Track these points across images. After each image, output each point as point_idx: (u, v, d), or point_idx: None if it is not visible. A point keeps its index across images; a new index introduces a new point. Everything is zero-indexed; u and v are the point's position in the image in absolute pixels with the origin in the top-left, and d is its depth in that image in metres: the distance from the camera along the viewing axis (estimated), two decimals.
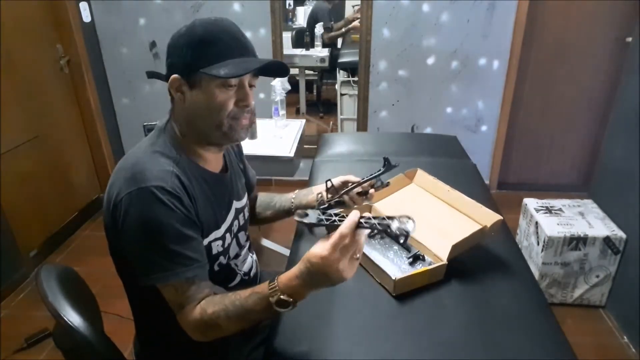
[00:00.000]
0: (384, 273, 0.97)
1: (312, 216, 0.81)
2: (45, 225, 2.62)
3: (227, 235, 1.04)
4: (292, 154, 2.10)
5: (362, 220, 0.74)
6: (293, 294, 0.78)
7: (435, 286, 0.99)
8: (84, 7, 2.86)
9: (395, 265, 1.02)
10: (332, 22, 4.56)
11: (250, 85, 0.96)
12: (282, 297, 0.78)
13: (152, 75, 1.00)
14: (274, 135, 2.28)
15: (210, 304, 0.86)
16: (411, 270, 0.99)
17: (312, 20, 4.43)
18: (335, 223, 0.78)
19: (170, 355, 1.09)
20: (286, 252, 1.16)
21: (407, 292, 0.96)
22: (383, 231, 0.75)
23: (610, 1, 2.73)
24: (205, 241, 0.96)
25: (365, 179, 1.12)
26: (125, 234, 0.87)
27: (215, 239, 1.00)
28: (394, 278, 0.93)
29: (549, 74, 2.97)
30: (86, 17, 2.90)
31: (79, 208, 2.88)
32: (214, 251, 1.00)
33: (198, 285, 0.88)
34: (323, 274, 0.75)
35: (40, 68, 2.61)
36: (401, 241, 0.73)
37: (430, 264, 1.01)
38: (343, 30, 4.54)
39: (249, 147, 2.18)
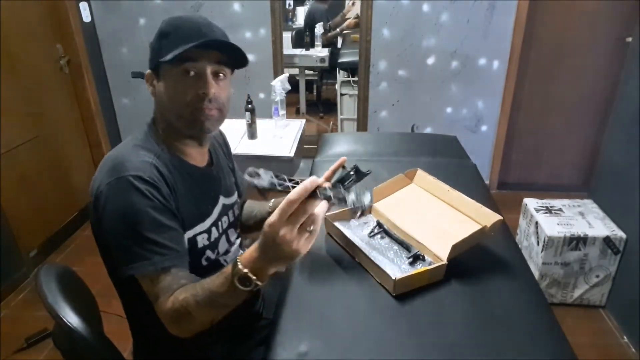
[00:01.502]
0: (384, 273, 0.97)
1: (265, 178, 0.74)
2: (45, 225, 2.62)
3: (214, 229, 1.05)
4: (292, 154, 2.10)
5: (318, 190, 0.69)
6: (255, 269, 0.74)
7: (435, 286, 0.99)
8: (84, 7, 2.87)
9: (395, 265, 1.02)
10: (330, 22, 4.56)
11: (217, 74, 0.95)
12: (244, 271, 0.74)
13: (135, 75, 1.04)
14: (274, 135, 2.28)
15: (183, 291, 0.84)
16: (411, 270, 0.99)
17: (310, 20, 4.44)
18: (289, 190, 0.73)
19: (165, 354, 1.09)
20: None
21: (407, 292, 0.96)
22: (339, 202, 0.73)
23: (610, 1, 2.73)
24: (190, 234, 0.97)
25: (333, 181, 1.04)
26: (104, 223, 0.88)
27: (201, 232, 1.00)
28: (394, 278, 0.93)
29: (549, 74, 2.97)
30: (86, 17, 2.90)
31: (79, 208, 2.88)
32: (200, 245, 1.01)
33: (174, 275, 0.87)
34: (274, 244, 0.70)
35: (40, 68, 2.61)
36: (358, 215, 0.71)
37: (430, 264, 1.01)
38: (340, 27, 4.55)
39: (249, 147, 2.19)
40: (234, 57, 0.96)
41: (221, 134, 1.23)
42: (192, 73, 0.91)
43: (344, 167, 0.98)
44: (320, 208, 0.71)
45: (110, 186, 0.86)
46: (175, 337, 0.87)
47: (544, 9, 2.80)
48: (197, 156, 1.03)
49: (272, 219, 0.69)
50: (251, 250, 0.75)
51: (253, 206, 1.33)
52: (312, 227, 0.71)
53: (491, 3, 2.75)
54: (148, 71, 0.98)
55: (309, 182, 0.69)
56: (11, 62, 2.32)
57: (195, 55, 0.90)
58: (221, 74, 0.96)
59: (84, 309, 0.97)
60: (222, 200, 1.09)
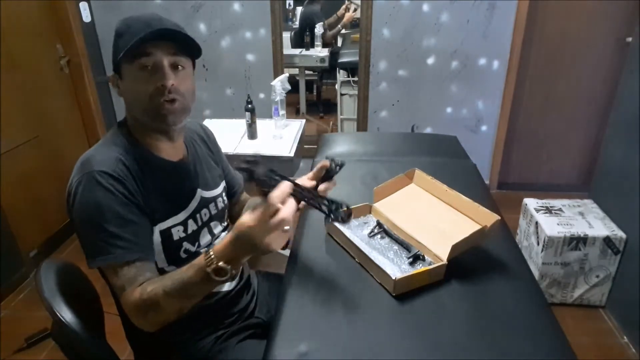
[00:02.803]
0: (384, 273, 0.97)
1: (261, 170, 0.77)
2: (45, 225, 2.62)
3: (190, 221, 1.05)
4: (292, 154, 2.10)
5: (295, 192, 0.76)
6: (229, 260, 0.78)
7: (435, 286, 0.99)
8: (84, 7, 2.87)
9: (395, 265, 1.02)
10: (324, 23, 4.56)
11: (176, 66, 0.95)
12: (220, 264, 0.78)
13: (101, 81, 1.05)
14: (274, 135, 2.28)
15: (151, 283, 0.86)
16: (411, 270, 0.99)
17: (305, 23, 4.43)
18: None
19: (156, 349, 1.11)
20: (286, 252, 1.16)
21: (407, 292, 0.96)
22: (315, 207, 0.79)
23: (610, 1, 2.73)
24: (162, 226, 0.99)
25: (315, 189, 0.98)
26: (73, 218, 0.92)
27: (175, 225, 1.02)
28: (394, 278, 0.93)
29: (549, 74, 2.97)
30: (86, 17, 2.90)
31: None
32: (175, 237, 1.02)
33: (139, 268, 0.89)
34: (249, 243, 0.76)
35: (40, 68, 2.61)
36: (330, 221, 0.79)
37: (430, 264, 1.01)
38: (342, 23, 4.55)
39: (249, 147, 2.19)
40: (191, 47, 0.97)
41: (202, 128, 1.24)
42: (149, 67, 0.92)
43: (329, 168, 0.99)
44: (288, 208, 0.75)
45: (78, 182, 0.90)
46: (162, 333, 0.90)
47: (544, 9, 2.80)
48: (170, 150, 1.04)
49: (248, 219, 0.75)
50: (225, 245, 0.79)
51: (248, 201, 1.33)
52: (286, 228, 0.76)
53: (491, 3, 2.75)
54: (111, 74, 1.01)
55: (287, 187, 0.76)
56: (11, 62, 2.32)
57: (149, 49, 0.91)
58: (180, 66, 0.96)
59: (82, 305, 0.97)
60: (201, 192, 1.09)
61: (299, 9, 4.95)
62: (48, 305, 0.90)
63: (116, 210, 0.89)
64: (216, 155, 1.24)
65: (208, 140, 1.23)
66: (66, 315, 0.90)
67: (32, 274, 2.43)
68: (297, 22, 4.88)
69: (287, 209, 0.75)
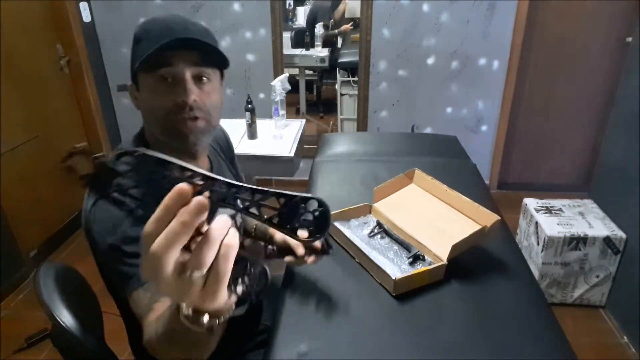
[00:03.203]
0: (384, 273, 0.97)
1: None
2: (45, 225, 2.62)
3: None
4: (292, 154, 2.10)
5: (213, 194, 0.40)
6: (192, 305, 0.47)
7: (435, 286, 0.99)
8: (84, 7, 2.86)
9: (395, 265, 1.02)
10: (332, 20, 4.58)
11: (200, 78, 0.84)
12: (185, 311, 0.45)
13: (120, 88, 0.98)
14: (274, 135, 2.28)
15: (153, 321, 0.66)
16: (411, 270, 0.99)
17: (312, 18, 4.44)
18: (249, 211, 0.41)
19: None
20: None
21: (407, 292, 0.96)
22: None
23: (610, 1, 2.73)
24: None
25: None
26: (96, 244, 0.84)
27: None
28: (394, 278, 0.93)
29: (549, 74, 2.97)
30: (86, 17, 2.90)
31: (79, 208, 2.88)
32: None
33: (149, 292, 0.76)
34: (153, 270, 0.38)
35: (40, 68, 2.61)
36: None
37: (430, 264, 1.01)
38: (338, 30, 4.56)
39: (249, 147, 2.19)
40: (217, 56, 0.84)
41: (224, 133, 1.17)
42: (169, 79, 0.81)
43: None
44: (219, 227, 0.38)
45: (94, 206, 0.85)
46: None
47: (544, 9, 2.80)
48: (193, 165, 0.99)
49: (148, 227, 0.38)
50: None
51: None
52: (202, 271, 0.38)
53: (491, 3, 2.75)
54: (129, 83, 0.89)
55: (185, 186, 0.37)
56: (11, 62, 2.32)
57: (170, 58, 0.80)
58: (204, 77, 0.84)
59: (81, 308, 0.96)
60: (224, 210, 1.04)
61: (299, 9, 4.96)
62: (47, 309, 0.89)
63: (133, 231, 0.79)
64: (232, 162, 1.17)
65: (227, 149, 1.15)
66: (66, 319, 0.89)
67: (32, 274, 2.43)
68: (298, 22, 4.89)
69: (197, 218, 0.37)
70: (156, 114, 0.84)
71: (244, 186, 0.41)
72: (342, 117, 3.80)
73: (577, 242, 2.03)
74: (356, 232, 1.14)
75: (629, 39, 2.72)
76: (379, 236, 1.13)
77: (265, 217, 0.42)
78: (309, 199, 0.41)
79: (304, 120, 2.51)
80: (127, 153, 0.43)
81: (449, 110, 3.08)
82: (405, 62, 2.96)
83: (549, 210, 2.22)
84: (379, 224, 1.16)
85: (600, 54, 2.88)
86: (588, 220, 2.11)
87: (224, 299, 0.41)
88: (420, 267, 1.01)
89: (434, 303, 0.95)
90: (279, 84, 2.23)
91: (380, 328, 0.90)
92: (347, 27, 4.52)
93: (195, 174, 0.41)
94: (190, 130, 0.84)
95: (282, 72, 2.92)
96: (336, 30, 4.58)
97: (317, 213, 0.42)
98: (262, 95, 3.07)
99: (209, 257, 0.37)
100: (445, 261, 0.99)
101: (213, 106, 0.86)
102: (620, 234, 2.01)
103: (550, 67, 2.95)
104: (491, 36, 2.84)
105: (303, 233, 0.42)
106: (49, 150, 2.64)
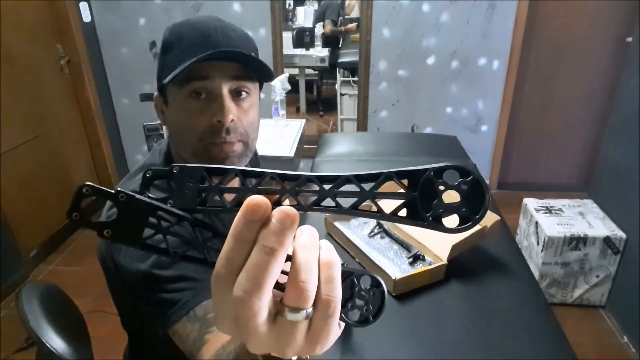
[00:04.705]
0: (384, 273, 0.97)
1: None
2: (45, 225, 2.62)
3: None
4: (292, 154, 2.09)
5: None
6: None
7: (435, 286, 0.99)
8: (84, 7, 2.86)
9: (395, 265, 1.02)
10: (341, 18, 4.59)
11: (238, 93, 0.73)
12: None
13: (144, 98, 0.89)
14: (274, 135, 2.28)
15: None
16: (411, 270, 0.99)
17: (321, 15, 4.45)
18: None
19: None
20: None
21: (407, 292, 0.96)
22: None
23: (610, 1, 2.73)
24: None
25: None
26: (124, 278, 0.74)
27: None
28: (394, 278, 0.93)
29: (549, 74, 2.97)
30: (86, 17, 2.90)
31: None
32: None
33: (205, 307, 0.65)
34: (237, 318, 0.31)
35: (40, 68, 2.61)
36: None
37: (430, 264, 1.01)
38: (344, 28, 4.58)
39: None
40: (260, 68, 0.73)
41: (254, 151, 1.04)
42: (203, 94, 0.71)
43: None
44: (308, 242, 0.31)
45: None
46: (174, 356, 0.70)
47: (544, 9, 2.79)
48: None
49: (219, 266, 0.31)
50: None
51: None
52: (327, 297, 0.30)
53: (491, 3, 2.75)
54: (155, 94, 0.79)
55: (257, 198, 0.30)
56: (11, 62, 2.32)
57: (205, 70, 0.69)
58: (243, 92, 0.74)
59: (69, 330, 0.90)
60: None
61: (299, 9, 4.96)
62: (35, 335, 0.83)
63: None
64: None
65: (253, 157, 1.04)
66: (57, 344, 0.83)
67: (32, 274, 2.43)
68: (298, 22, 4.90)
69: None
70: (186, 136, 0.73)
71: (346, 176, 0.28)
72: (342, 117, 3.80)
73: (577, 242, 2.03)
74: (356, 232, 1.14)
75: (629, 39, 2.72)
76: (379, 236, 1.13)
77: (386, 212, 0.30)
78: (446, 168, 0.28)
79: (304, 120, 2.51)
80: (159, 174, 0.32)
81: (449, 110, 3.08)
82: (405, 62, 2.96)
83: (548, 210, 2.22)
84: (379, 224, 1.16)
85: (600, 54, 2.88)
86: (588, 220, 2.11)
87: (338, 335, 0.32)
88: (420, 267, 1.01)
89: (434, 303, 0.95)
90: (279, 84, 2.23)
91: (380, 328, 0.90)
92: (352, 25, 4.53)
93: (264, 176, 0.30)
94: (227, 155, 0.73)
95: (282, 72, 2.92)
96: (342, 28, 4.59)
97: (466, 185, 0.27)
98: (262, 95, 3.06)
99: (311, 287, 0.28)
100: (445, 261, 0.99)
101: (251, 125, 0.76)
102: (620, 233, 2.01)
103: (550, 67, 2.95)
104: (491, 36, 2.84)
105: (451, 220, 0.29)
106: (49, 150, 2.64)
